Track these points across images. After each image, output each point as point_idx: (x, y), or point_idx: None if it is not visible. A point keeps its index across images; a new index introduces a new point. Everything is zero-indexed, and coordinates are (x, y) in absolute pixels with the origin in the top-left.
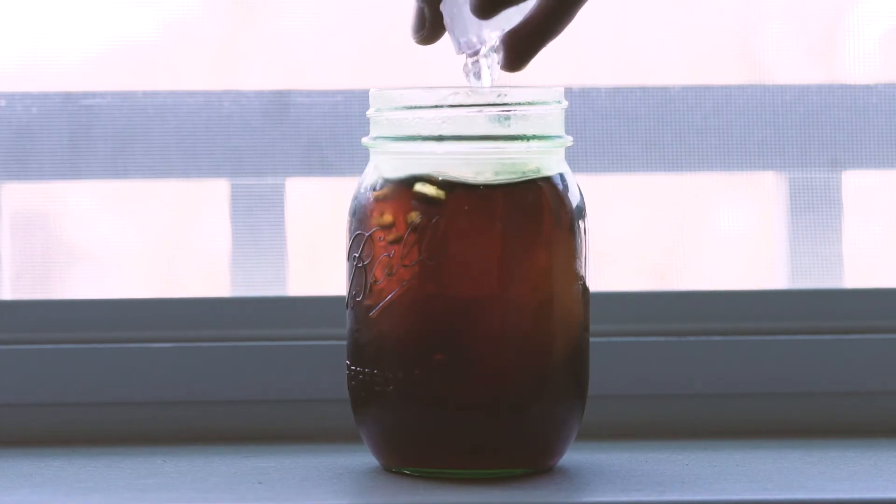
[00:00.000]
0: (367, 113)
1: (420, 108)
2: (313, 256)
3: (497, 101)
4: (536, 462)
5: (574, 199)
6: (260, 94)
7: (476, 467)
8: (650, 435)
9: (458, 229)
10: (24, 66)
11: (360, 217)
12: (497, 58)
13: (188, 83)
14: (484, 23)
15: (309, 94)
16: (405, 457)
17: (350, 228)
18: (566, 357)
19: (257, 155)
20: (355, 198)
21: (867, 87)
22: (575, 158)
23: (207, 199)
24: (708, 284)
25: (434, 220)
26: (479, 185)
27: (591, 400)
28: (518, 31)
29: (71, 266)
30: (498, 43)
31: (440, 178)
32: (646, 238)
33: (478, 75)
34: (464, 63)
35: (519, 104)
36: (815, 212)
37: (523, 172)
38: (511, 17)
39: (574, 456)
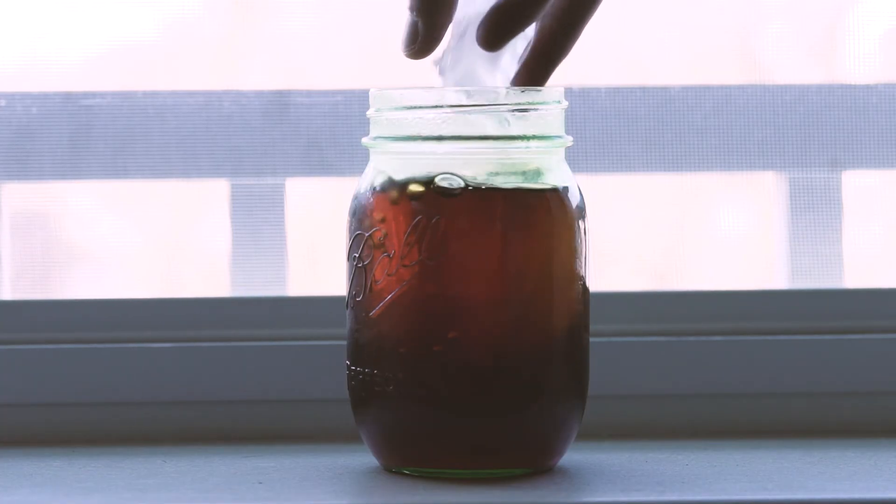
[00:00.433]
0: (367, 113)
1: (420, 108)
2: (313, 256)
3: (497, 102)
4: (536, 462)
5: (574, 199)
6: (260, 94)
7: (476, 467)
8: (650, 435)
9: (458, 229)
10: (24, 66)
11: (360, 217)
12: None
13: (188, 83)
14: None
15: (309, 94)
16: (405, 457)
17: (350, 228)
18: (566, 356)
19: (257, 155)
20: (355, 198)
21: (867, 87)
22: (575, 158)
23: (207, 199)
24: (708, 284)
25: (434, 220)
26: (480, 185)
27: (591, 400)
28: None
29: (71, 266)
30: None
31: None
32: (646, 238)
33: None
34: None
35: (519, 104)
36: (815, 212)
37: (523, 172)
38: (515, 45)
39: (574, 456)
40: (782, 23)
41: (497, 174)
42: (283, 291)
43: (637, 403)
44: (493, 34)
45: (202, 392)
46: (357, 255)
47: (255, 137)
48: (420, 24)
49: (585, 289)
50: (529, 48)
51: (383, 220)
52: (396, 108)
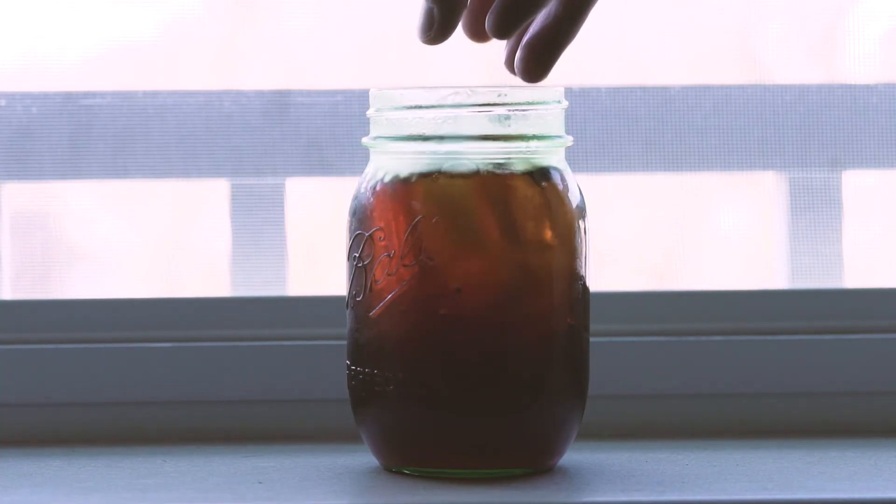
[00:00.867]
0: (367, 113)
1: (420, 107)
2: (313, 256)
3: (497, 101)
4: (536, 462)
5: (574, 199)
6: (260, 94)
7: (476, 467)
8: (650, 435)
9: (458, 229)
10: (24, 66)
11: (361, 217)
12: None
13: (188, 83)
14: None
15: (309, 94)
16: (405, 457)
17: (350, 228)
18: (566, 356)
19: (257, 155)
20: (355, 198)
21: (867, 87)
22: (575, 158)
23: (207, 199)
24: (708, 284)
25: (434, 220)
26: (480, 186)
27: (591, 400)
28: (535, 41)
29: (71, 266)
30: None
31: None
32: (646, 238)
33: None
34: None
35: (519, 104)
36: (815, 212)
37: (523, 172)
38: None
39: (574, 456)
40: (782, 23)
41: (497, 174)
42: (283, 291)
43: (637, 403)
44: (504, 20)
45: (202, 392)
46: (357, 255)
47: (255, 137)
48: (436, 10)
49: (585, 289)
50: (536, 32)
51: (383, 220)
52: (396, 108)
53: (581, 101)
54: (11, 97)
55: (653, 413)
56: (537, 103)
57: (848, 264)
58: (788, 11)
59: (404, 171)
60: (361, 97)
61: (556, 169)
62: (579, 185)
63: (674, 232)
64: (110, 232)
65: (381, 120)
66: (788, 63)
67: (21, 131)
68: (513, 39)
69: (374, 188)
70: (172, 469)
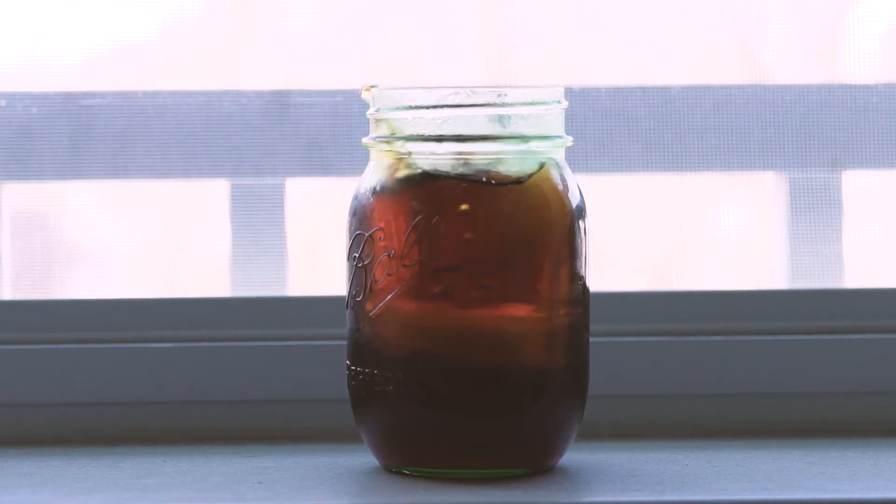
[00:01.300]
0: (367, 113)
1: (420, 107)
2: (313, 256)
3: (497, 101)
4: (536, 462)
5: (574, 199)
6: (260, 94)
7: (476, 467)
8: (650, 435)
9: (458, 229)
10: (24, 66)
11: (361, 217)
12: None
13: (188, 83)
14: None
15: (309, 94)
16: (405, 457)
17: (350, 228)
18: (566, 357)
19: (257, 155)
20: (355, 198)
21: (867, 87)
22: (575, 158)
23: (207, 199)
24: (708, 284)
25: (434, 220)
26: (480, 186)
27: (591, 400)
28: None
29: (71, 266)
30: None
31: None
32: (646, 238)
33: None
34: None
35: (519, 104)
36: (815, 212)
37: (523, 172)
38: None
39: (574, 456)
40: (782, 23)
41: (496, 174)
42: (283, 291)
43: (637, 403)
44: None
45: (202, 392)
46: (357, 255)
47: (255, 137)
48: None
49: (585, 289)
50: None
51: (383, 220)
52: (396, 108)
53: (581, 101)
54: (11, 97)
55: (653, 413)
56: (537, 103)
57: (848, 264)
58: (788, 11)
59: (404, 172)
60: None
61: (556, 169)
62: (579, 185)
63: (674, 232)
64: (110, 232)
65: (382, 120)
66: (788, 63)
67: (21, 131)
68: None
69: (375, 188)
70: (172, 469)
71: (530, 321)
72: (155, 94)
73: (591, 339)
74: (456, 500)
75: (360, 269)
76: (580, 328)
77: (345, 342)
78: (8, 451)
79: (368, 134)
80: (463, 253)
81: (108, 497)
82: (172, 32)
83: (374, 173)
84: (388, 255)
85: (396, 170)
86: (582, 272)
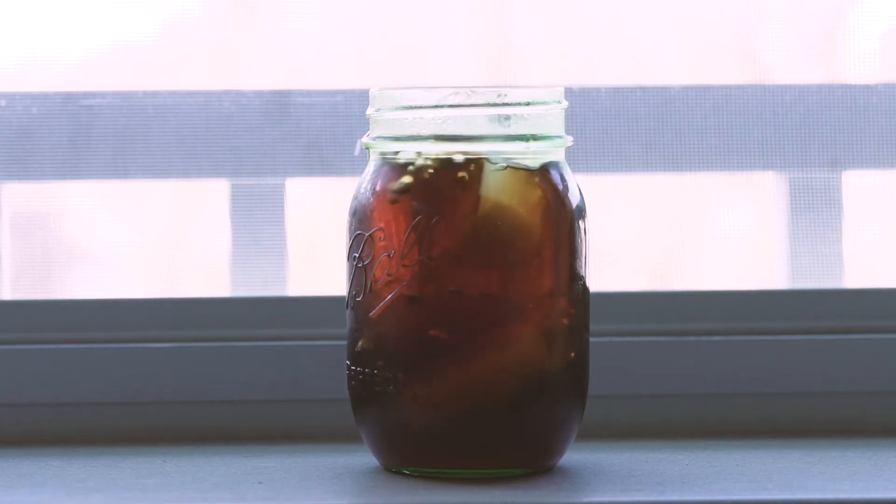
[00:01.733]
0: (367, 113)
1: (420, 108)
2: (313, 256)
3: (497, 101)
4: (536, 462)
5: (574, 199)
6: (260, 94)
7: (476, 467)
8: (650, 435)
9: (458, 229)
10: (24, 66)
11: (361, 217)
12: None
13: (188, 83)
14: None
15: (309, 94)
16: (405, 457)
17: (350, 228)
18: (566, 357)
19: (257, 155)
20: (355, 198)
21: (867, 87)
22: (575, 158)
23: (207, 199)
24: (708, 284)
25: (434, 220)
26: (479, 185)
27: (591, 400)
28: None
29: (71, 266)
30: None
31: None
32: (646, 238)
33: None
34: None
35: (519, 104)
36: (815, 212)
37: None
38: None
39: (574, 456)
40: (782, 23)
41: (496, 174)
42: (283, 291)
43: (637, 403)
44: None
45: (202, 392)
46: (357, 255)
47: (255, 137)
48: None
49: (585, 289)
50: None
51: (383, 220)
52: (396, 108)
53: (581, 101)
54: (11, 97)
55: (653, 413)
56: (537, 103)
57: (848, 264)
58: (788, 11)
59: (404, 172)
60: (361, 97)
61: (556, 169)
62: (579, 185)
63: (674, 232)
64: (110, 232)
65: (381, 120)
66: (788, 63)
67: (21, 131)
68: None
69: (374, 188)
70: (172, 469)
71: (530, 321)
72: (155, 94)
73: (591, 339)
74: (456, 500)
75: (360, 269)
76: (580, 328)
77: (345, 342)
78: (8, 451)
79: (368, 134)
80: (462, 253)
81: (108, 497)
82: (172, 32)
83: (374, 173)
84: (388, 255)
85: (396, 170)
86: (582, 272)
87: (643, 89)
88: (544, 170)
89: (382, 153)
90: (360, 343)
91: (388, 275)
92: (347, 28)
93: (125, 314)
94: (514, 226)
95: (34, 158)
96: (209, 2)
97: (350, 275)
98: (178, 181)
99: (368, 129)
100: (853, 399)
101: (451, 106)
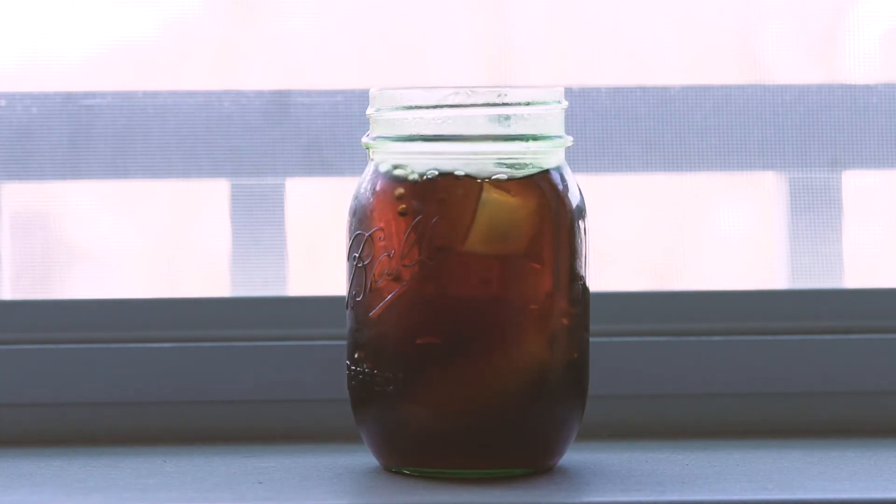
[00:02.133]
0: (367, 113)
1: (420, 108)
2: (313, 256)
3: (497, 101)
4: (536, 462)
5: (574, 199)
6: (260, 94)
7: (476, 467)
8: (650, 435)
9: (458, 229)
10: (24, 66)
11: (360, 217)
12: None
13: (188, 83)
14: None
15: (309, 94)
16: (405, 457)
17: (350, 228)
18: (566, 357)
19: (257, 155)
20: (355, 198)
21: (867, 87)
22: (575, 158)
23: (207, 199)
24: (708, 284)
25: (434, 220)
26: (479, 185)
27: (591, 400)
28: None
29: (71, 266)
30: None
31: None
32: (646, 238)
33: None
34: None
35: (519, 104)
36: (815, 212)
37: (523, 173)
38: None
39: (574, 456)
40: (782, 23)
41: (496, 174)
42: (283, 291)
43: (637, 403)
44: None
45: (202, 392)
46: (357, 255)
47: (255, 137)
48: None
49: (585, 289)
50: None
51: (383, 220)
52: (396, 108)
53: (581, 101)
54: (11, 97)
55: (653, 413)
56: (537, 103)
57: (848, 264)
58: (788, 11)
59: (404, 172)
60: (361, 97)
61: (555, 169)
62: (579, 185)
63: (674, 232)
64: (110, 232)
65: (381, 120)
66: (788, 63)
67: (21, 131)
68: None
69: (374, 188)
70: (172, 469)
71: (530, 321)
72: (155, 94)
73: (591, 339)
74: (456, 500)
75: (360, 269)
76: (580, 328)
77: (345, 342)
78: (8, 451)
79: (368, 134)
80: (462, 253)
81: (108, 497)
82: (172, 32)
83: (374, 173)
84: (388, 255)
85: (396, 170)
86: (582, 272)
87: (643, 89)
88: (544, 170)
89: (382, 153)
90: (360, 343)
91: (389, 275)
92: (347, 28)
93: (125, 314)
94: (514, 226)
95: (34, 158)
96: (209, 2)
97: (350, 275)
98: (178, 181)
99: (368, 129)
100: (853, 399)
101: (451, 106)
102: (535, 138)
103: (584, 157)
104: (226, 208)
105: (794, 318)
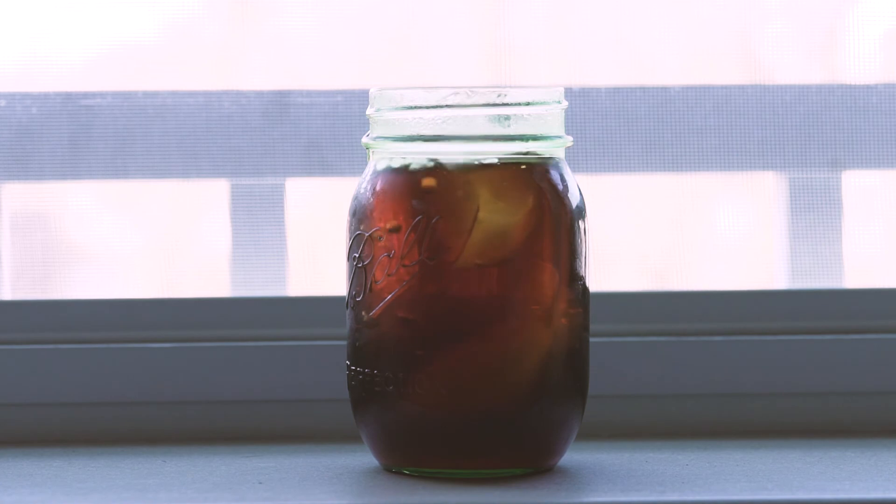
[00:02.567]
0: (367, 113)
1: (420, 108)
2: (313, 256)
3: (497, 101)
4: (536, 462)
5: (574, 200)
6: (260, 94)
7: (476, 467)
8: (650, 435)
9: (458, 229)
10: (24, 66)
11: (361, 217)
12: None
13: (188, 83)
14: None
15: (309, 94)
16: (405, 457)
17: (350, 228)
18: (566, 357)
19: (257, 155)
20: (355, 198)
21: (867, 87)
22: (575, 158)
23: (207, 199)
24: (708, 284)
25: (434, 220)
26: (479, 185)
27: (591, 400)
28: None
29: (71, 266)
30: None
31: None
32: (646, 238)
33: None
34: None
35: (519, 104)
36: (815, 212)
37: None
38: None
39: (574, 456)
40: (782, 23)
41: (496, 174)
42: (283, 291)
43: (637, 403)
44: None
45: (202, 392)
46: (357, 255)
47: (255, 137)
48: None
49: (585, 289)
50: None
51: (384, 220)
52: (396, 108)
53: (581, 101)
54: (11, 97)
55: (653, 413)
56: (537, 103)
57: (848, 264)
58: (788, 11)
59: (404, 172)
60: (361, 97)
61: (556, 169)
62: (579, 185)
63: (674, 232)
64: (110, 232)
65: (381, 120)
66: (788, 63)
67: (21, 131)
68: None
69: (374, 188)
70: (172, 469)
71: (530, 321)
72: (155, 94)
73: (591, 339)
74: (456, 500)
75: (360, 270)
76: (580, 328)
77: (345, 342)
78: (8, 451)
79: (368, 134)
80: (462, 253)
81: (107, 497)
82: (172, 32)
83: (374, 173)
84: (388, 255)
85: (396, 170)
86: (582, 272)
87: (643, 89)
88: (544, 170)
89: (382, 153)
90: (360, 343)
91: (389, 275)
92: (347, 28)
93: (125, 314)
94: (514, 226)
95: (34, 158)
96: (209, 2)
97: (350, 275)
98: (178, 181)
99: (368, 130)
100: (853, 399)
101: (450, 106)
102: (535, 138)
103: (584, 157)
104: (226, 208)
105: (794, 318)
